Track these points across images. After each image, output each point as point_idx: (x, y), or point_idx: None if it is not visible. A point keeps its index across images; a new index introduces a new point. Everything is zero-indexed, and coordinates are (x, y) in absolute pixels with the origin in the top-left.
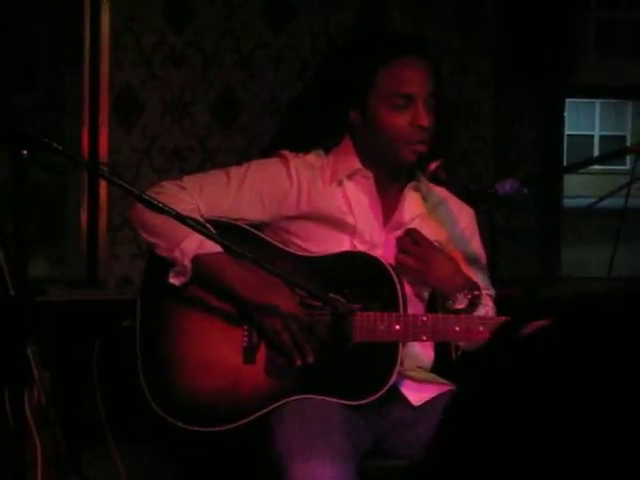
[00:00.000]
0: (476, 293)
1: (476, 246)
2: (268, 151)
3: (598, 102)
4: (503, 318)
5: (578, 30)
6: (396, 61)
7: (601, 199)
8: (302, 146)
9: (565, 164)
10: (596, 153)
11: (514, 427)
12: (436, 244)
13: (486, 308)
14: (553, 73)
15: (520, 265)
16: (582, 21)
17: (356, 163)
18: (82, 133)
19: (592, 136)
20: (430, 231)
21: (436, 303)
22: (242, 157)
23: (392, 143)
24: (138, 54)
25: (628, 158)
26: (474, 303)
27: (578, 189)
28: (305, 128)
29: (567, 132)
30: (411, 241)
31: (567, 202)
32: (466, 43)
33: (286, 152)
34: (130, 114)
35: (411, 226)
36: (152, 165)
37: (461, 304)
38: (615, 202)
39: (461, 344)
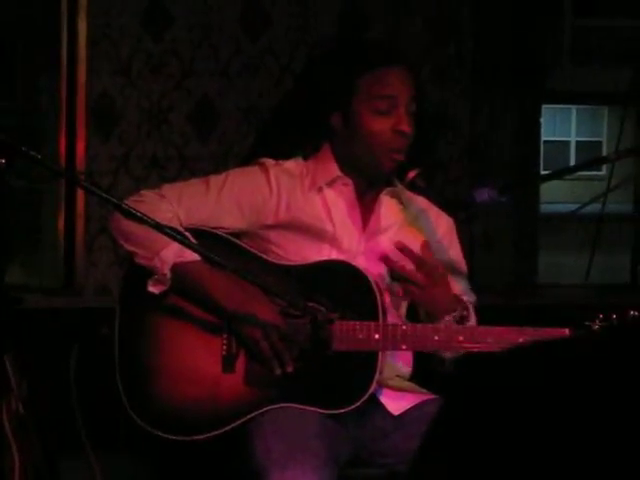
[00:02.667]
0: (464, 314)
1: (456, 254)
2: (248, 159)
3: (574, 108)
4: (482, 328)
5: (554, 37)
6: (380, 67)
7: (582, 207)
8: (282, 153)
9: (542, 170)
10: (572, 159)
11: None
12: (435, 264)
13: (470, 319)
14: (529, 80)
15: (496, 272)
16: (558, 28)
17: (335, 170)
18: (59, 141)
19: (569, 142)
20: (410, 240)
21: (418, 315)
22: (220, 165)
23: (372, 149)
24: (115, 62)
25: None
26: (460, 322)
27: (554, 195)
28: (285, 135)
29: (543, 138)
30: (413, 263)
31: (543, 208)
32: (442, 50)
33: (265, 160)
34: (107, 122)
35: (388, 233)
36: (129, 173)
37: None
38: (592, 208)
39: (446, 355)
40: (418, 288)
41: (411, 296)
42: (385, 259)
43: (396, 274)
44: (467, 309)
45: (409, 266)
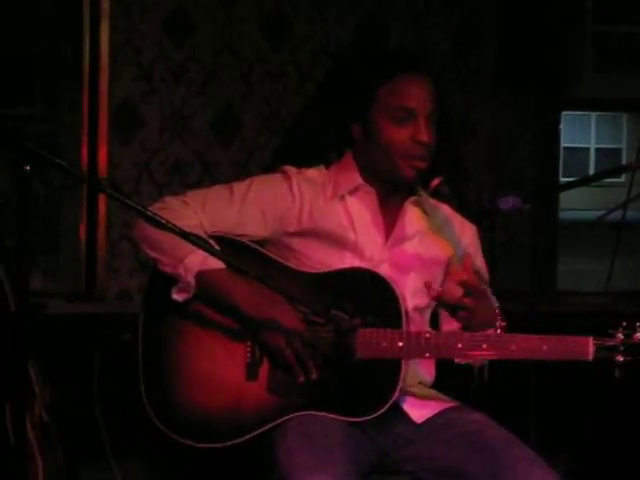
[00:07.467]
0: (503, 324)
1: (479, 261)
2: (270, 167)
3: (594, 115)
4: (506, 336)
5: (574, 44)
6: (398, 77)
7: (605, 214)
8: (304, 161)
9: (561, 177)
10: (592, 165)
11: None
12: (478, 284)
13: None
14: (551, 88)
15: (516, 279)
16: (578, 35)
17: (357, 178)
18: (81, 147)
19: (588, 149)
20: (435, 248)
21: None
22: (241, 172)
23: (392, 158)
24: (137, 68)
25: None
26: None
27: (573, 202)
28: (307, 143)
29: (563, 145)
30: (465, 290)
31: (562, 214)
32: (464, 59)
33: (288, 168)
34: (129, 128)
35: (413, 241)
36: (152, 179)
37: None
38: (612, 215)
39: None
40: (468, 312)
41: (462, 320)
42: (432, 290)
43: (444, 301)
44: (503, 319)
45: (455, 291)
